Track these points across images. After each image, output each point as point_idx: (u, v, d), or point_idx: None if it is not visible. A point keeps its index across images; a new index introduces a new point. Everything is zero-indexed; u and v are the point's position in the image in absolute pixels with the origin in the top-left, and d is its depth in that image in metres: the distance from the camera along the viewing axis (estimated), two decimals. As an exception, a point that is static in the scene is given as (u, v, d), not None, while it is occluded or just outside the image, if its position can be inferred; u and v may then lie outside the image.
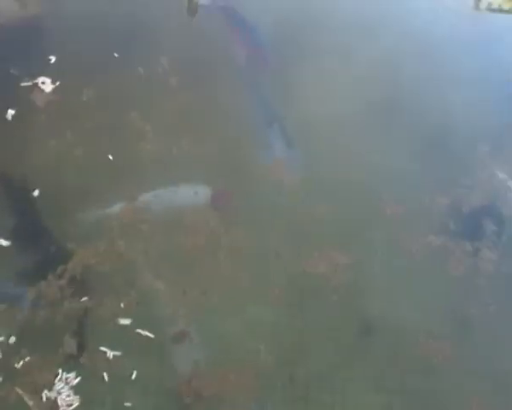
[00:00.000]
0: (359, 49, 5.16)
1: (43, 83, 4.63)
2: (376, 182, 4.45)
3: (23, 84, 4.61)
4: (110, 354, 3.63)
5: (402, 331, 3.83)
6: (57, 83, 4.68)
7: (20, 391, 3.43)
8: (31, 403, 3.44)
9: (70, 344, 3.62)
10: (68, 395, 3.51)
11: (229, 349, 3.74)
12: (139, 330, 3.71)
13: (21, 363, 3.53)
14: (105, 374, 3.57)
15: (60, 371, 3.55)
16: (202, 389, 3.56)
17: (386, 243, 4.18)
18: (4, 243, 3.92)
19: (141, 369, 3.61)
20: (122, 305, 3.79)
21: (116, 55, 4.96)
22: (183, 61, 4.97)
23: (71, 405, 3.49)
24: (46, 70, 4.75)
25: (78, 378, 3.56)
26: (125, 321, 3.74)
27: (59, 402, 3.48)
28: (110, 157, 4.38)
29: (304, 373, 3.68)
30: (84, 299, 3.78)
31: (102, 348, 3.64)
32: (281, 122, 4.65)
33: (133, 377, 3.59)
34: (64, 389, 3.51)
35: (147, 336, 3.70)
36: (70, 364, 3.59)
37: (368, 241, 4.19)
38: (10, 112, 4.50)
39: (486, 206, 4.43)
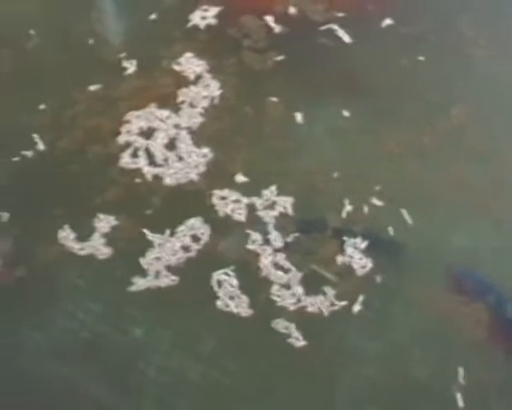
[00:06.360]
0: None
1: None
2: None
3: None
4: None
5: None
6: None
7: (315, 267, 3.54)
8: (323, 272, 3.54)
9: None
10: (360, 258, 3.56)
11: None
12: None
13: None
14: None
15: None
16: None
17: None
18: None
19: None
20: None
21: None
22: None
23: (364, 267, 3.55)
24: None
25: (365, 242, 3.60)
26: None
27: (353, 266, 3.53)
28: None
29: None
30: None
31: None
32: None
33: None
34: (355, 253, 3.57)
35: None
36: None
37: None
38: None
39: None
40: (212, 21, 4.50)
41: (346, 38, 4.40)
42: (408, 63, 4.29)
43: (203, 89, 4.16)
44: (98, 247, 3.57)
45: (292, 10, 4.52)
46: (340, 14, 4.51)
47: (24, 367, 3.23)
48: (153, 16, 4.51)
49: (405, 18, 4.50)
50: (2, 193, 3.77)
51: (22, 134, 3.95)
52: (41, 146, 3.91)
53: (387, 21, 4.49)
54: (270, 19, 4.48)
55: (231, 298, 3.41)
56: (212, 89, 4.16)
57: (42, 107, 4.08)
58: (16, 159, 3.88)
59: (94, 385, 3.19)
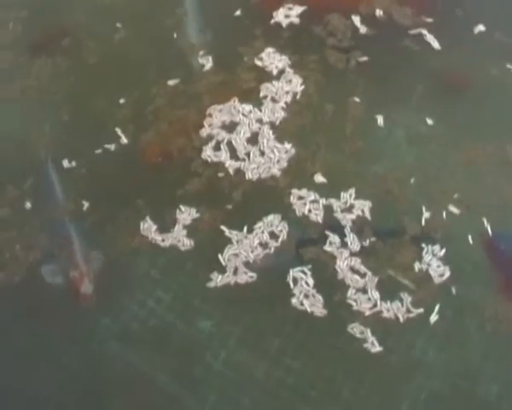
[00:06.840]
0: None
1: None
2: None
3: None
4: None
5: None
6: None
7: (392, 273, 3.49)
8: (400, 278, 3.48)
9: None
10: (438, 266, 3.49)
11: None
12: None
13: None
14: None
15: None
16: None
17: None
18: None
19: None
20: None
21: None
22: None
23: (442, 275, 3.48)
24: None
25: (444, 250, 3.52)
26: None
27: (431, 273, 3.47)
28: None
29: None
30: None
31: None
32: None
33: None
34: (432, 260, 3.50)
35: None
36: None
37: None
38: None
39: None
40: (296, 19, 4.50)
41: (436, 44, 4.33)
42: (496, 71, 4.20)
43: (285, 84, 4.15)
44: (180, 238, 3.60)
45: (379, 12, 4.48)
46: (429, 20, 4.44)
47: (93, 351, 3.30)
48: (237, 13, 4.53)
49: (497, 24, 4.41)
50: (85, 184, 3.83)
51: (104, 126, 4.02)
52: (124, 139, 3.97)
53: (480, 27, 4.40)
54: (356, 19, 4.43)
55: (306, 296, 3.40)
56: (294, 84, 4.16)
57: (123, 100, 4.14)
58: (99, 151, 3.94)
59: (160, 372, 3.23)
